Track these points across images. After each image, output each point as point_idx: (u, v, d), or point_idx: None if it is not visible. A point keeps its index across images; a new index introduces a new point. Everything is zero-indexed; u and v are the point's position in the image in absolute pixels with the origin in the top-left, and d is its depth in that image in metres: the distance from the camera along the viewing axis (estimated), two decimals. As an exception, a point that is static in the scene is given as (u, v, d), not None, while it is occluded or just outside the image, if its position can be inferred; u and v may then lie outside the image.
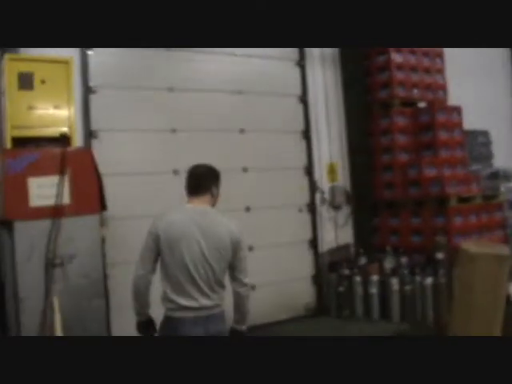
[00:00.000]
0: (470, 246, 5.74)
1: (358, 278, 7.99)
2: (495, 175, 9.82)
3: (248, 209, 7.92)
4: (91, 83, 7.05)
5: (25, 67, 5.35)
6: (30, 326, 4.84)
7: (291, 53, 8.81)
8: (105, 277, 6.11)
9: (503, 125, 11.55)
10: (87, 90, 7.00)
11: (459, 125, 9.08)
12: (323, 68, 9.06)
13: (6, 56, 5.38)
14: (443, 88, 9.58)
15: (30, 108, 5.34)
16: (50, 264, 5.02)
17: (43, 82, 5.37)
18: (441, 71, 9.59)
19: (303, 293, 8.55)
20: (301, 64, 8.89)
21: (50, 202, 5.05)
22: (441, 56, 9.60)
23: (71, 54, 6.13)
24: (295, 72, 8.89)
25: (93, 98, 7.06)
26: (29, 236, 4.98)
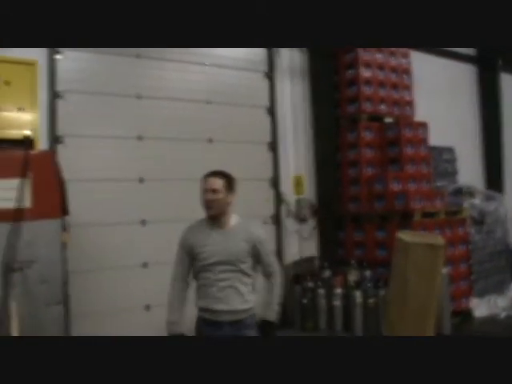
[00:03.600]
0: (405, 235, 5.75)
1: (321, 291, 7.99)
2: (459, 191, 9.95)
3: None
4: (58, 88, 6.95)
5: (-11, 68, 5.28)
6: (-15, 330, 4.74)
7: (260, 64, 8.87)
8: (65, 283, 6.01)
9: (468, 142, 11.73)
10: (54, 95, 6.90)
11: (425, 141, 9.19)
12: (292, 81, 9.11)
13: (-30, 56, 5.32)
14: (410, 104, 9.68)
15: (-7, 109, 5.26)
16: (9, 268, 4.92)
17: (7, 83, 5.30)
18: (408, 87, 9.69)
19: (267, 305, 8.51)
20: (270, 76, 8.92)
21: (10, 204, 4.96)
22: (408, 72, 9.71)
23: (38, 57, 6.08)
24: (264, 84, 8.93)
25: (60, 102, 6.96)
26: (-13, 239, 4.88)
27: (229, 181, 4.41)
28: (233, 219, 4.44)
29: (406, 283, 5.22)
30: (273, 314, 4.47)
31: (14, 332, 4.71)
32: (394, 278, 5.60)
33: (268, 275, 4.47)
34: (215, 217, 4.33)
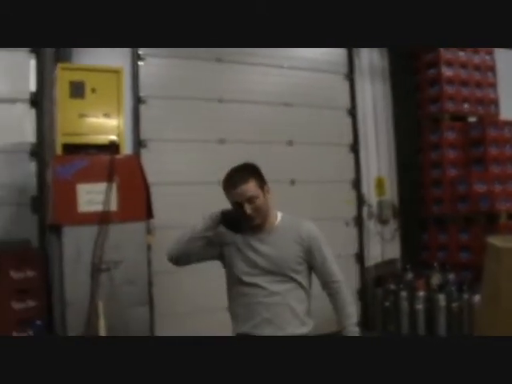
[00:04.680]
0: (497, 240, 5.53)
1: (404, 294, 7.87)
2: (548, 192, 9.60)
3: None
4: (141, 93, 7.17)
5: (76, 76, 5.44)
6: (75, 329, 4.90)
7: (340, 66, 8.81)
8: (149, 284, 6.15)
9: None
10: (137, 100, 7.12)
11: (511, 140, 8.92)
12: (372, 82, 9.02)
13: (59, 65, 5.51)
14: (495, 102, 9.40)
15: (81, 116, 5.42)
16: (97, 269, 5.09)
17: (94, 90, 5.45)
18: (493, 85, 9.40)
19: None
20: (349, 77, 8.86)
21: (97, 208, 5.13)
22: (493, 70, 9.43)
23: (122, 64, 6.24)
24: (344, 85, 8.86)
25: (142, 107, 7.17)
26: (76, 241, 5.06)
27: (258, 175, 3.40)
28: (277, 218, 3.48)
29: (498, 290, 5.01)
30: (351, 325, 3.30)
31: (102, 331, 4.86)
32: (486, 284, 5.41)
33: (329, 288, 3.40)
34: (260, 225, 3.40)
